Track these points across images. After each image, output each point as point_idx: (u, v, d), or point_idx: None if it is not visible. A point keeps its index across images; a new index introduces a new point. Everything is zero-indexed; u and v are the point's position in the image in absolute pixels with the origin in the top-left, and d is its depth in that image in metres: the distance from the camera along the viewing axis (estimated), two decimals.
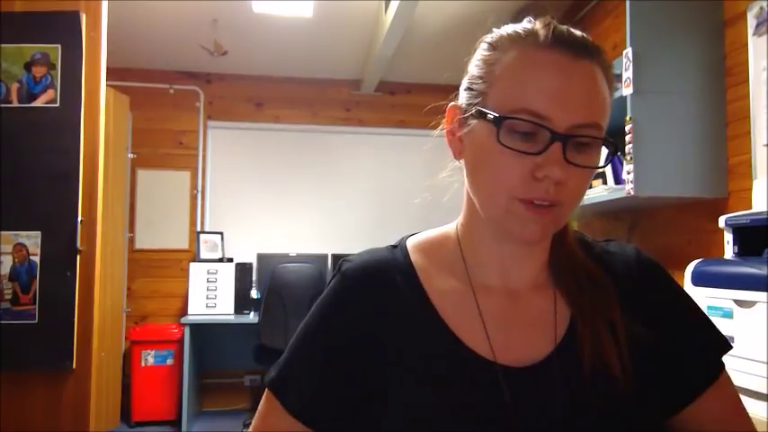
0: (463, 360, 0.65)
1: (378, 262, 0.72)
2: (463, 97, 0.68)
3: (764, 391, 1.39)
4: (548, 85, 0.60)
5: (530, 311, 0.69)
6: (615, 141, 0.63)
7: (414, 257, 0.73)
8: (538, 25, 0.64)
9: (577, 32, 0.64)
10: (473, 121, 0.65)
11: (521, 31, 0.65)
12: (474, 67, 0.67)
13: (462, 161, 0.69)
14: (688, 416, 0.68)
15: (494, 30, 0.68)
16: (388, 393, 0.65)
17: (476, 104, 0.65)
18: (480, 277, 0.70)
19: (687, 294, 0.73)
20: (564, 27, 0.64)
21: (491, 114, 0.62)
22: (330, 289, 0.72)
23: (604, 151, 0.66)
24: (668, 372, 0.67)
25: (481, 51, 0.67)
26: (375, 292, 0.70)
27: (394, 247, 0.75)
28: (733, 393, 0.70)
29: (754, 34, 1.98)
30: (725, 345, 0.71)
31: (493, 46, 0.66)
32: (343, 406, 0.68)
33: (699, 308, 0.73)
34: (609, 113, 0.64)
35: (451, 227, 0.75)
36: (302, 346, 0.71)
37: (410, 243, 0.75)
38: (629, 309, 0.68)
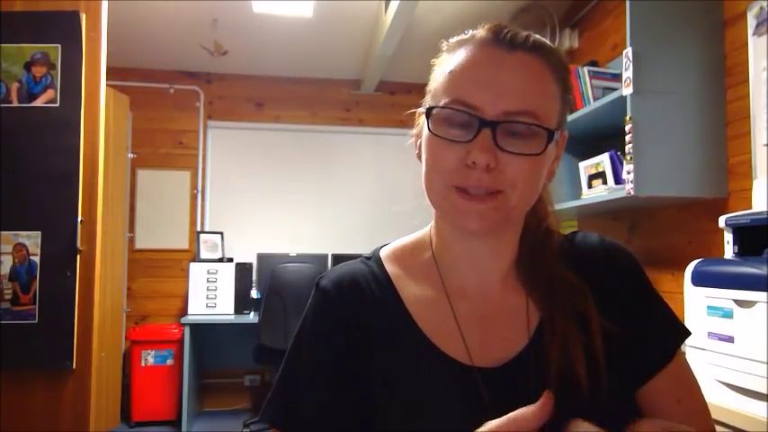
0: (440, 366, 0.66)
1: (353, 274, 0.73)
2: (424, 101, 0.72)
3: (764, 391, 1.39)
4: (478, 76, 0.63)
5: (502, 310, 0.70)
6: (548, 127, 0.63)
7: (388, 267, 0.74)
8: (478, 29, 0.67)
9: (523, 32, 0.65)
10: (421, 120, 0.69)
11: (462, 37, 0.68)
12: (431, 74, 0.71)
13: None
14: (643, 393, 0.69)
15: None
16: (374, 401, 0.66)
17: (420, 104, 0.69)
18: (453, 280, 0.71)
19: (648, 281, 0.74)
20: (509, 28, 0.65)
21: (425, 107, 0.66)
22: (310, 307, 0.73)
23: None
24: (629, 353, 0.68)
25: (433, 62, 0.71)
26: (353, 303, 0.70)
27: (368, 258, 0.76)
28: (688, 374, 0.72)
29: (754, 34, 1.98)
30: (683, 330, 0.72)
31: (443, 50, 0.70)
32: (343, 417, 0.68)
33: (660, 296, 0.74)
34: (552, 103, 0.65)
35: (425, 233, 0.76)
36: (292, 370, 0.71)
37: (383, 253, 0.77)
38: (597, 297, 0.68)
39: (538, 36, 0.66)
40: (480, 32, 0.66)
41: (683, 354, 0.72)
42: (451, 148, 0.63)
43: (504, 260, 0.71)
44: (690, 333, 0.73)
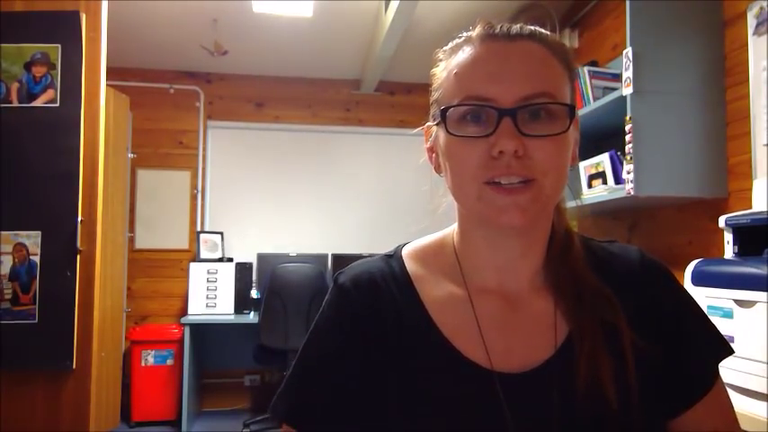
0: (459, 369, 0.64)
1: (372, 273, 0.71)
2: (430, 116, 0.71)
3: (764, 391, 1.39)
4: (485, 70, 0.62)
5: (529, 315, 0.68)
6: (569, 103, 0.63)
7: (409, 266, 0.72)
8: (473, 30, 0.67)
9: (516, 24, 0.65)
10: (435, 130, 0.68)
11: (459, 40, 0.68)
12: (431, 89, 0.70)
13: (442, 174, 0.70)
14: (680, 422, 0.67)
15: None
16: (388, 403, 0.65)
17: (431, 115, 0.68)
18: (477, 282, 0.69)
19: (691, 297, 0.72)
20: (502, 22, 0.66)
21: (437, 111, 0.65)
22: (327, 303, 0.72)
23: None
24: (667, 378, 0.66)
25: (432, 72, 0.70)
26: (370, 302, 0.69)
27: (389, 256, 0.75)
28: (726, 402, 0.70)
29: (754, 34, 1.98)
30: (727, 350, 0.70)
31: (440, 59, 0.69)
32: (354, 416, 0.67)
33: (702, 312, 0.72)
34: (563, 85, 0.64)
35: (447, 233, 0.75)
36: (305, 367, 0.70)
37: (405, 251, 0.75)
38: (632, 313, 0.66)
39: (530, 26, 0.66)
40: (476, 30, 0.66)
41: (721, 378, 0.69)
42: (474, 145, 0.61)
43: (532, 262, 0.69)
44: (732, 351, 0.70)
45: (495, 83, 0.61)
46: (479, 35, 0.65)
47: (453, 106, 0.63)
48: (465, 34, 0.68)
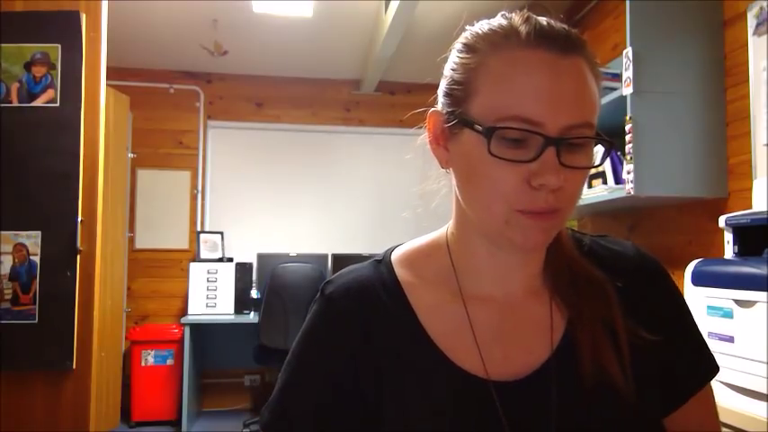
0: (453, 379, 0.62)
1: (361, 281, 0.69)
2: (443, 103, 0.64)
3: (764, 391, 1.39)
4: (537, 88, 0.56)
5: (525, 320, 0.66)
6: (611, 139, 0.60)
7: (399, 272, 0.69)
8: (517, 22, 0.60)
9: (559, 25, 0.60)
10: (459, 130, 0.61)
11: (499, 30, 0.60)
12: (452, 71, 0.63)
13: (450, 170, 0.65)
14: (674, 417, 0.68)
15: (468, 29, 0.64)
16: (382, 416, 0.63)
17: (459, 112, 0.60)
18: (472, 287, 0.67)
19: (683, 298, 0.72)
20: (544, 20, 0.60)
21: (479, 125, 0.58)
22: (314, 314, 0.69)
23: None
24: (664, 370, 0.66)
25: (459, 54, 0.63)
26: (360, 313, 0.66)
27: (378, 261, 0.71)
28: (713, 401, 0.70)
29: (754, 34, 1.98)
30: (714, 365, 0.70)
31: (471, 48, 0.61)
32: (343, 427, 0.65)
33: (691, 315, 0.72)
34: (598, 109, 0.61)
35: (441, 235, 0.71)
36: (293, 379, 0.68)
37: (395, 256, 0.72)
38: (627, 307, 0.65)
39: (574, 30, 0.61)
40: (521, 28, 0.59)
41: (711, 388, 0.70)
42: (511, 168, 0.57)
43: (533, 270, 0.68)
44: (719, 368, 0.70)
45: (545, 105, 0.56)
46: (530, 34, 0.58)
47: (501, 128, 0.56)
48: (505, 21, 0.61)
